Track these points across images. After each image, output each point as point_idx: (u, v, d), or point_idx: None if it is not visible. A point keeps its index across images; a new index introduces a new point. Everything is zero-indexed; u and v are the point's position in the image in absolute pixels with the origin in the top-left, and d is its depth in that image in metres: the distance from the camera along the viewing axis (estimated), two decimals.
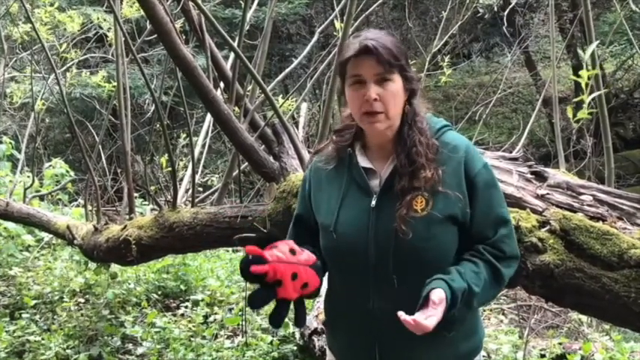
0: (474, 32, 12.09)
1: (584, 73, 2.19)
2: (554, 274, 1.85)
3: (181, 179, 3.90)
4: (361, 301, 1.66)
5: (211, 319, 4.25)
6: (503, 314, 4.51)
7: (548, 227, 1.90)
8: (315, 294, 1.66)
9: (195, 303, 4.50)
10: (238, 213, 2.79)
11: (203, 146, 4.08)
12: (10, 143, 6.36)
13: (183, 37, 2.89)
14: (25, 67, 7.99)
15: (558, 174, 2.13)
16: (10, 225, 5.20)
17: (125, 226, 3.46)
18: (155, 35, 2.81)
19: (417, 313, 1.47)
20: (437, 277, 1.55)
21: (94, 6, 8.74)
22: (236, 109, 3.01)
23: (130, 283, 4.64)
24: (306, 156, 2.65)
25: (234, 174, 3.40)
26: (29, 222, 4.69)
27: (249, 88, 3.16)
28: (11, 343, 3.94)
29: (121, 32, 3.58)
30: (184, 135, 6.15)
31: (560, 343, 3.67)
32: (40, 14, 6.05)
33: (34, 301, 4.46)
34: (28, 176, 5.69)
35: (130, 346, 4.00)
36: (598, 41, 2.34)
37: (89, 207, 4.55)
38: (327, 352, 1.91)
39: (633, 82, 11.89)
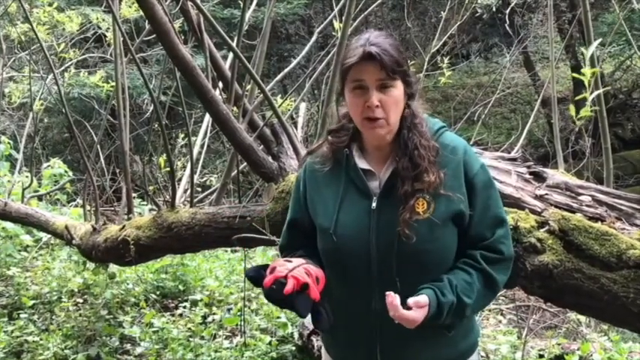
0: (473, 33, 12.09)
1: (586, 70, 2.19)
2: (553, 275, 1.86)
3: (180, 179, 3.90)
4: (362, 302, 1.66)
5: (210, 319, 4.25)
6: (502, 314, 4.52)
7: (546, 228, 1.91)
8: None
9: (194, 303, 4.49)
10: (237, 213, 2.78)
11: (202, 146, 4.08)
12: (9, 143, 6.35)
13: (182, 37, 2.90)
14: (23, 66, 7.98)
15: (557, 174, 2.13)
16: (9, 225, 5.19)
17: (123, 227, 3.46)
18: (154, 35, 2.81)
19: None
20: (428, 285, 1.57)
21: (93, 6, 8.73)
22: (235, 109, 3.01)
23: (128, 284, 4.64)
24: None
25: (233, 174, 3.39)
26: (27, 222, 4.68)
27: (248, 88, 3.16)
28: (9, 343, 3.93)
29: (119, 32, 3.57)
30: (183, 135, 6.16)
31: (558, 344, 3.68)
32: (39, 14, 6.04)
33: (32, 302, 4.46)
34: (27, 176, 5.68)
35: (129, 346, 4.00)
36: (599, 40, 2.34)
37: (87, 207, 4.55)
38: (323, 352, 1.91)
39: (632, 83, 11.89)
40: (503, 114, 13.15)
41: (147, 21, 2.86)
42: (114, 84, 3.87)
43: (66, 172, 6.44)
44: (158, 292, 4.74)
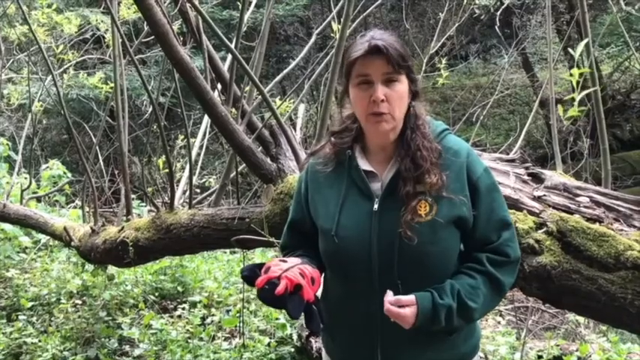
0: (472, 34, 12.10)
1: (575, 71, 2.19)
2: (551, 276, 1.86)
3: (179, 181, 3.90)
4: (364, 304, 1.66)
5: (209, 320, 4.24)
6: (501, 316, 4.51)
7: (545, 229, 1.91)
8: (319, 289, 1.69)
9: (193, 304, 4.49)
10: (236, 214, 2.79)
11: (200, 147, 4.09)
12: (7, 144, 6.36)
13: (181, 38, 2.89)
14: (22, 68, 7.98)
15: (555, 175, 2.13)
16: (7, 226, 5.19)
17: (122, 228, 3.46)
18: (152, 37, 2.81)
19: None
20: (428, 289, 1.58)
21: (92, 7, 8.74)
22: (233, 110, 3.01)
23: (127, 285, 4.64)
24: (304, 157, 2.65)
25: (232, 175, 3.40)
26: (26, 223, 4.68)
27: (247, 89, 3.16)
28: (8, 345, 3.93)
29: (118, 34, 3.57)
30: (182, 136, 6.16)
31: (557, 345, 3.68)
32: (38, 16, 6.04)
33: (30, 303, 4.45)
34: (26, 178, 5.68)
35: (127, 347, 3.99)
36: (589, 37, 2.34)
37: (86, 208, 4.55)
38: (323, 354, 1.91)
39: (630, 84, 11.90)
40: (502, 115, 13.17)
41: (145, 22, 2.86)
42: (113, 85, 3.87)
43: (65, 173, 6.44)
44: (157, 294, 4.74)
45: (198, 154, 4.29)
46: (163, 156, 3.59)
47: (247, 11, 3.57)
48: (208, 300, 4.54)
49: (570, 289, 1.86)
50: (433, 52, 5.35)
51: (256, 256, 5.21)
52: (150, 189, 5.36)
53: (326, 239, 1.69)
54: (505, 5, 6.10)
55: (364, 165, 1.68)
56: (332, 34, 3.52)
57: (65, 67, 6.27)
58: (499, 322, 4.33)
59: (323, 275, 1.77)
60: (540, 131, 10.37)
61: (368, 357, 1.69)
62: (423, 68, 5.03)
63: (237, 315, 4.02)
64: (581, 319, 3.98)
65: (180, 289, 4.79)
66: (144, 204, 5.96)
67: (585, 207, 1.99)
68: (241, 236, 2.69)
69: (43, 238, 5.34)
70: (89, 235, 3.80)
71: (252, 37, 6.75)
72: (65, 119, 4.34)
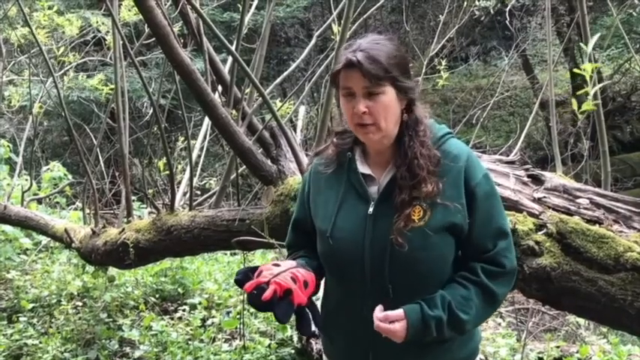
0: (472, 36, 12.10)
1: (587, 66, 2.14)
2: (551, 277, 1.86)
3: (179, 182, 3.91)
4: (356, 307, 1.65)
5: (209, 322, 4.24)
6: (501, 317, 4.51)
7: (544, 230, 1.91)
8: (316, 291, 1.69)
9: (193, 306, 4.49)
10: (236, 216, 2.79)
11: (201, 149, 4.09)
12: (8, 146, 6.36)
13: (181, 40, 2.90)
14: (23, 70, 7.98)
15: (555, 177, 2.13)
16: (8, 228, 5.19)
17: (123, 230, 3.46)
18: (153, 39, 2.81)
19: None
20: (417, 300, 1.58)
21: (93, 9, 8.75)
22: (234, 112, 3.01)
23: (127, 287, 4.64)
24: (304, 159, 2.65)
25: (232, 177, 3.40)
26: (27, 225, 4.68)
27: (247, 91, 3.16)
28: (9, 346, 3.93)
29: (119, 36, 3.58)
30: (182, 138, 6.15)
31: (557, 346, 3.68)
32: (39, 17, 6.05)
33: (31, 305, 4.46)
34: (26, 179, 5.68)
35: (128, 349, 3.99)
36: (598, 34, 2.32)
37: (87, 210, 4.55)
38: (324, 357, 1.91)
39: (630, 86, 11.91)
40: (502, 117, 13.17)
41: (146, 24, 2.87)
42: (113, 87, 3.88)
43: (65, 175, 6.45)
44: (157, 295, 4.74)
45: (199, 156, 4.29)
46: (164, 158, 3.59)
47: (248, 13, 3.57)
48: (209, 302, 4.54)
49: (570, 290, 1.86)
50: (433, 54, 5.36)
51: (257, 257, 5.21)
52: (150, 191, 5.37)
53: (322, 240, 1.70)
54: (507, 8, 6.10)
55: (363, 168, 1.68)
56: (332, 36, 3.52)
57: (66, 69, 6.27)
58: (499, 324, 4.33)
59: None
60: (540, 133, 10.37)
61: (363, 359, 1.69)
62: (424, 70, 5.03)
63: (238, 317, 4.02)
64: (581, 320, 3.98)
65: (180, 290, 4.79)
66: (144, 206, 5.96)
67: (585, 209, 1.99)
68: (242, 238, 2.70)
69: (44, 239, 5.34)
70: (90, 236, 3.81)
71: (253, 39, 6.76)
72: (66, 121, 4.35)
